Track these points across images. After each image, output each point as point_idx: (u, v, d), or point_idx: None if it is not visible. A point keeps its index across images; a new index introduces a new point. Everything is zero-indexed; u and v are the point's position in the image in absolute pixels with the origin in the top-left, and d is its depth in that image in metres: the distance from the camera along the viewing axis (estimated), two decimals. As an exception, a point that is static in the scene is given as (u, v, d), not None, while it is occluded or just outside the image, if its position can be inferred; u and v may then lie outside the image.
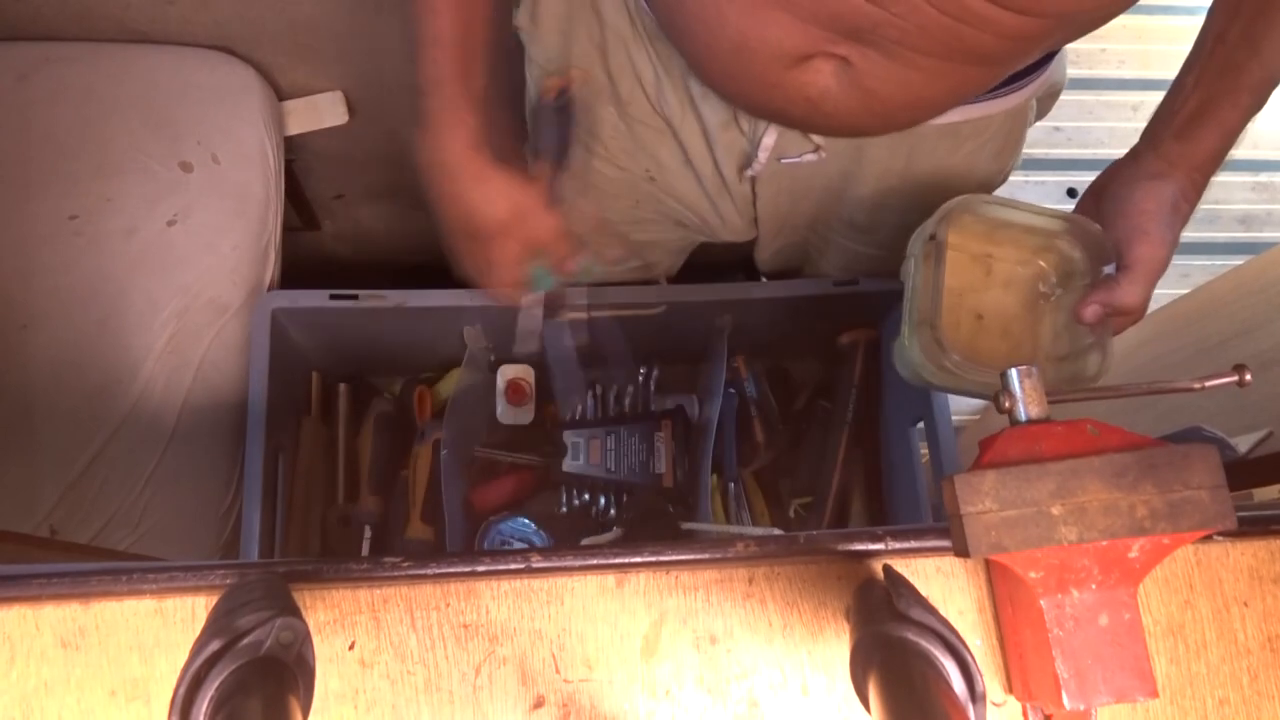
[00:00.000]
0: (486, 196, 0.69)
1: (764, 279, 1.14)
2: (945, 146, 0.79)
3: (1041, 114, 0.85)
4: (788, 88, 0.59)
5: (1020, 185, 1.86)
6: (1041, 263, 0.78)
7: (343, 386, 1.14)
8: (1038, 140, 0.87)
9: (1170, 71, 0.70)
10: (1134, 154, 0.73)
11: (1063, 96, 0.83)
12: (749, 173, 0.80)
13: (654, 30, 0.70)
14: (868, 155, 0.80)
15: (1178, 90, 0.70)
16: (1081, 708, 0.44)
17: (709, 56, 0.61)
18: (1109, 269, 0.71)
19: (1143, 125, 0.77)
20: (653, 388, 1.13)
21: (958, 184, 0.83)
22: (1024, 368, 0.48)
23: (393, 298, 0.97)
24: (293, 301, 0.97)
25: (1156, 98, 0.71)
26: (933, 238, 0.74)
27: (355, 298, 0.96)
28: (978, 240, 0.78)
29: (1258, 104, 0.67)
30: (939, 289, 0.72)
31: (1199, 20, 0.69)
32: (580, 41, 0.75)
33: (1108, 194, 0.73)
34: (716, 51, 0.59)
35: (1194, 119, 0.69)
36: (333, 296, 0.96)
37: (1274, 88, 0.67)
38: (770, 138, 0.76)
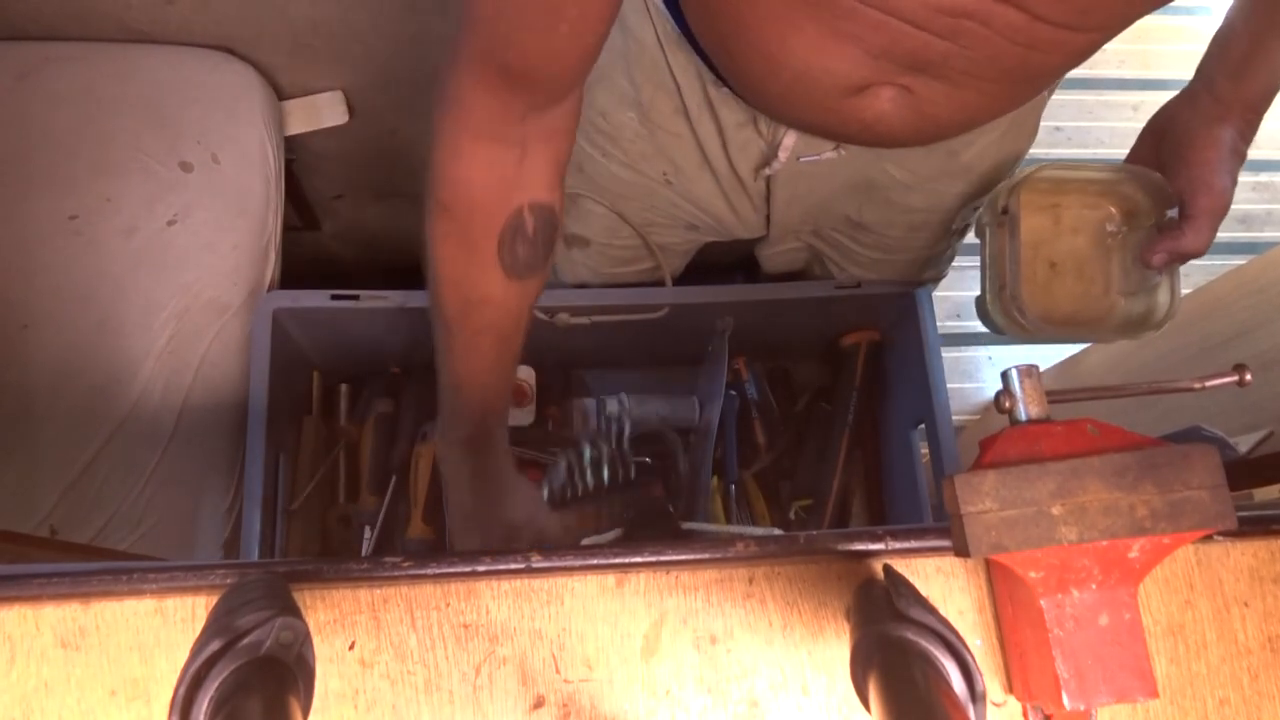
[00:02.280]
0: (514, 504, 0.75)
1: (764, 280, 1.14)
2: (960, 140, 0.79)
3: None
4: (844, 113, 0.59)
5: (1020, 185, 1.85)
6: (1107, 206, 0.82)
7: (343, 386, 1.14)
8: (1038, 140, 0.86)
9: (1170, 71, 0.71)
10: (1190, 95, 0.74)
11: (1063, 96, 0.84)
12: (766, 172, 0.80)
13: (675, 37, 0.71)
14: (886, 153, 0.80)
15: (1228, 30, 0.71)
16: (1081, 708, 0.44)
17: (764, 84, 0.61)
18: (1172, 213, 0.75)
19: (1142, 125, 0.77)
20: (627, 447, 1.08)
21: (974, 176, 0.84)
22: (1024, 366, 0.48)
23: (394, 298, 0.97)
24: (294, 301, 0.97)
25: (1157, 97, 0.72)
26: (1005, 210, 0.78)
27: (356, 298, 0.96)
28: (1044, 195, 0.82)
29: None
30: (1015, 259, 0.78)
31: (1200, 20, 0.69)
32: (603, 52, 0.75)
33: (1168, 139, 0.75)
34: (774, 80, 0.59)
35: (1246, 59, 0.70)
36: (334, 297, 0.96)
37: None
38: (790, 138, 0.76)
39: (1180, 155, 0.74)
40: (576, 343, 1.06)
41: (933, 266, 1.01)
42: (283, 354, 0.97)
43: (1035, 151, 0.88)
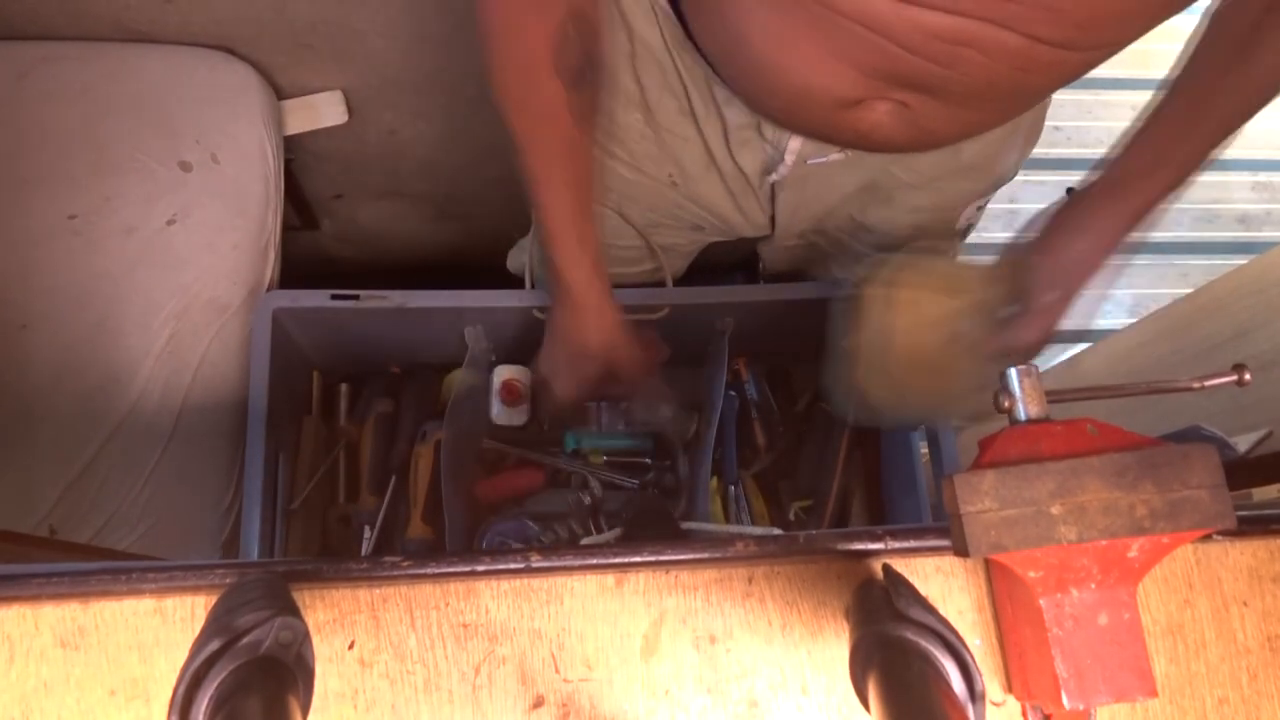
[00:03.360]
0: (596, 328, 0.84)
1: (763, 281, 1.14)
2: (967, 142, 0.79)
3: None
4: (840, 123, 0.60)
5: (1020, 185, 1.85)
6: (963, 303, 0.82)
7: (343, 386, 1.14)
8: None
9: (1169, 71, 0.71)
10: (1073, 201, 0.75)
11: (1062, 96, 0.84)
12: (773, 177, 0.80)
13: (680, 40, 0.71)
14: (890, 154, 0.80)
15: (1122, 150, 0.71)
16: (1081, 707, 0.44)
17: (763, 95, 0.63)
18: (1010, 310, 0.74)
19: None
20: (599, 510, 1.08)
21: (978, 175, 0.84)
22: (1023, 367, 0.48)
23: (394, 298, 0.97)
24: (294, 301, 0.97)
25: (1156, 97, 0.72)
26: (865, 288, 0.81)
27: (356, 298, 0.96)
28: (903, 287, 0.83)
29: (1179, 181, 0.69)
30: (869, 347, 0.80)
31: (1198, 20, 0.69)
32: (610, 54, 0.75)
33: (1043, 236, 0.75)
34: (774, 93, 0.61)
35: (1123, 181, 0.70)
36: (334, 296, 0.96)
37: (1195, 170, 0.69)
38: (796, 142, 0.76)
39: (1044, 253, 0.74)
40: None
41: None
42: (283, 354, 0.97)
43: (1034, 151, 0.88)
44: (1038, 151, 0.88)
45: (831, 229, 0.97)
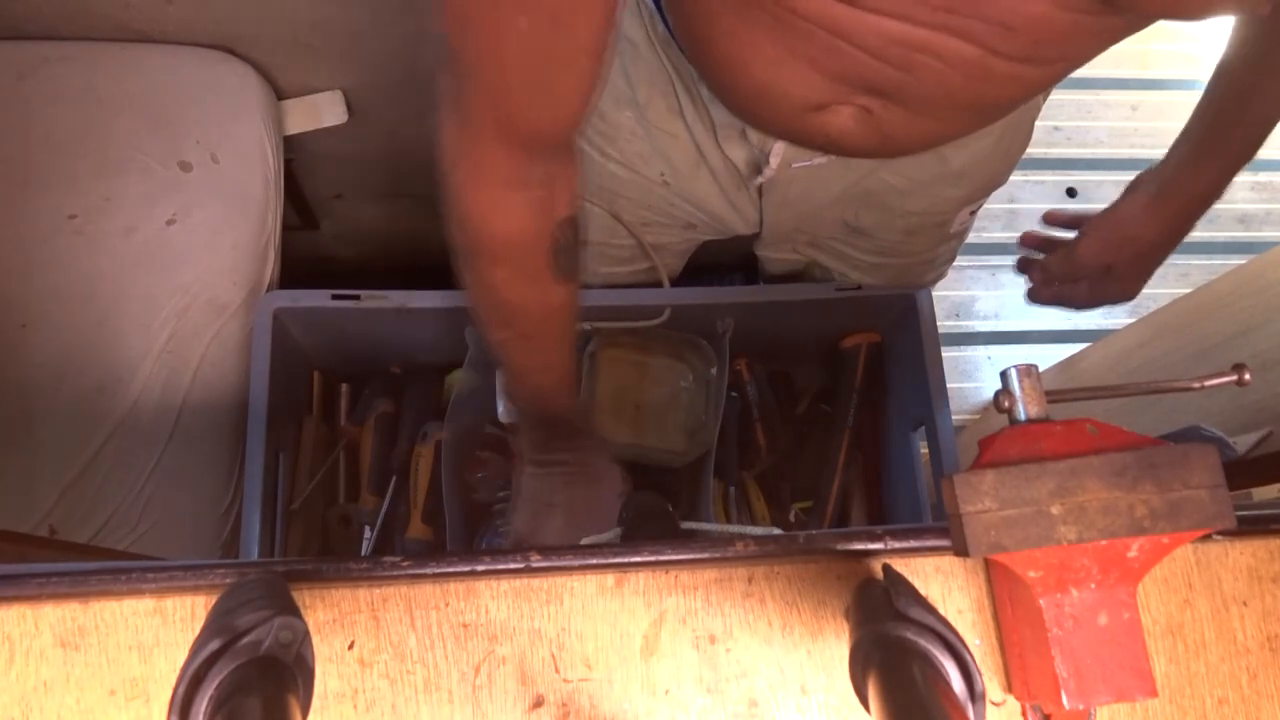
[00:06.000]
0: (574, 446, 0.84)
1: (763, 282, 1.14)
2: (951, 145, 0.79)
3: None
4: (808, 127, 0.60)
5: (1020, 185, 1.86)
6: (678, 363, 1.10)
7: (344, 387, 1.14)
8: (1037, 140, 0.87)
9: (1169, 71, 0.71)
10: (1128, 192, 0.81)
11: (1062, 96, 0.84)
12: (759, 180, 0.80)
13: (665, 37, 0.71)
14: (878, 162, 0.80)
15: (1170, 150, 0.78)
16: (1081, 707, 0.44)
17: (733, 95, 0.63)
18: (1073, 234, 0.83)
19: (1141, 124, 0.77)
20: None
21: (968, 181, 0.84)
22: (1023, 366, 0.48)
23: (395, 298, 0.97)
24: (294, 301, 0.97)
25: (1155, 97, 0.72)
26: (589, 350, 1.05)
27: (357, 298, 0.96)
28: (635, 350, 1.09)
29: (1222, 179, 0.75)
30: (594, 396, 1.06)
31: (1195, 19, 0.70)
32: None
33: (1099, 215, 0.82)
34: (739, 93, 0.61)
35: (1170, 177, 0.76)
36: (334, 296, 0.96)
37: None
38: (780, 145, 0.76)
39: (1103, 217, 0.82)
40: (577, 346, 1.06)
41: (933, 269, 1.01)
42: (283, 354, 0.97)
43: (1034, 151, 0.88)
44: (1037, 151, 0.89)
45: (824, 239, 0.97)
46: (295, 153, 1.17)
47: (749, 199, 0.87)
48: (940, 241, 0.94)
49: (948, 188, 0.85)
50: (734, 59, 0.57)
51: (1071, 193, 1.85)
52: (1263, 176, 1.94)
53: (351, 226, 1.42)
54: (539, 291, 0.65)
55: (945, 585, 0.50)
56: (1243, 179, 2.01)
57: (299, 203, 1.30)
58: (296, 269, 1.10)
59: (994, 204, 0.91)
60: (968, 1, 0.46)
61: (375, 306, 0.97)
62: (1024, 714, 0.48)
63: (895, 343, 1.11)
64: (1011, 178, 0.89)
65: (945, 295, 1.70)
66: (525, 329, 0.69)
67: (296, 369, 1.07)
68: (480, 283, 0.64)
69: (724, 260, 1.21)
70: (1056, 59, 0.51)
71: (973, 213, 0.91)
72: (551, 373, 0.75)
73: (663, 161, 0.83)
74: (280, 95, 1.11)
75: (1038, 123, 0.85)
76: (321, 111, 1.13)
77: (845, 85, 0.54)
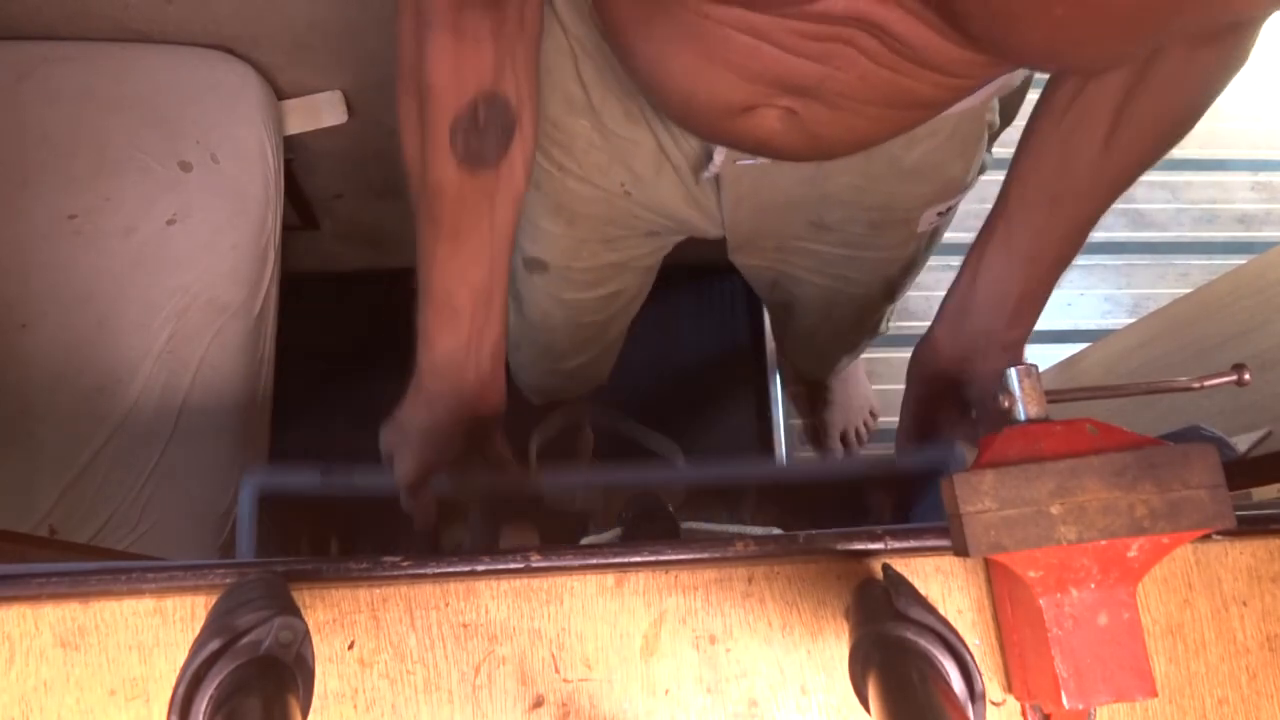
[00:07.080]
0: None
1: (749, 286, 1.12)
2: (900, 144, 0.78)
3: (1010, 117, 0.85)
4: (736, 131, 0.60)
5: (995, 187, 1.85)
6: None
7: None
8: (1011, 141, 0.86)
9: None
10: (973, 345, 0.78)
11: (1035, 97, 0.83)
12: (705, 174, 0.79)
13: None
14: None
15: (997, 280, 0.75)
16: (1080, 707, 0.44)
17: (663, 101, 0.62)
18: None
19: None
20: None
21: (924, 180, 0.83)
22: (1023, 366, 0.48)
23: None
24: (281, 486, 0.76)
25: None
26: None
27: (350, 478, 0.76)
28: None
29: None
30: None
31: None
32: (549, 54, 0.73)
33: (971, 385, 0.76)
34: (668, 99, 0.60)
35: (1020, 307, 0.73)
36: (324, 474, 0.75)
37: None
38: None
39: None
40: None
41: (909, 273, 1.01)
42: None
43: (1007, 153, 0.87)
44: (1009, 154, 0.88)
45: (790, 239, 0.95)
46: (295, 153, 1.17)
47: (709, 194, 0.85)
48: (908, 239, 0.93)
49: (903, 184, 0.84)
50: (654, 65, 0.57)
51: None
52: (1263, 176, 1.94)
53: (352, 226, 1.42)
54: (430, 155, 0.61)
55: (945, 585, 0.50)
56: (1242, 179, 2.01)
57: (299, 203, 1.30)
58: (297, 269, 1.10)
59: (987, 206, 0.90)
60: (867, 12, 0.47)
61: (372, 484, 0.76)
62: (1024, 714, 0.48)
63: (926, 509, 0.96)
64: (985, 178, 0.88)
65: (941, 296, 1.70)
66: (431, 210, 0.64)
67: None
68: (398, 117, 0.61)
69: (722, 260, 1.21)
70: (964, 74, 0.51)
71: (941, 214, 0.90)
72: (466, 289, 0.67)
73: (624, 170, 0.81)
74: (280, 95, 1.11)
75: (1017, 123, 0.84)
76: (321, 111, 1.13)
77: (766, 86, 0.54)
